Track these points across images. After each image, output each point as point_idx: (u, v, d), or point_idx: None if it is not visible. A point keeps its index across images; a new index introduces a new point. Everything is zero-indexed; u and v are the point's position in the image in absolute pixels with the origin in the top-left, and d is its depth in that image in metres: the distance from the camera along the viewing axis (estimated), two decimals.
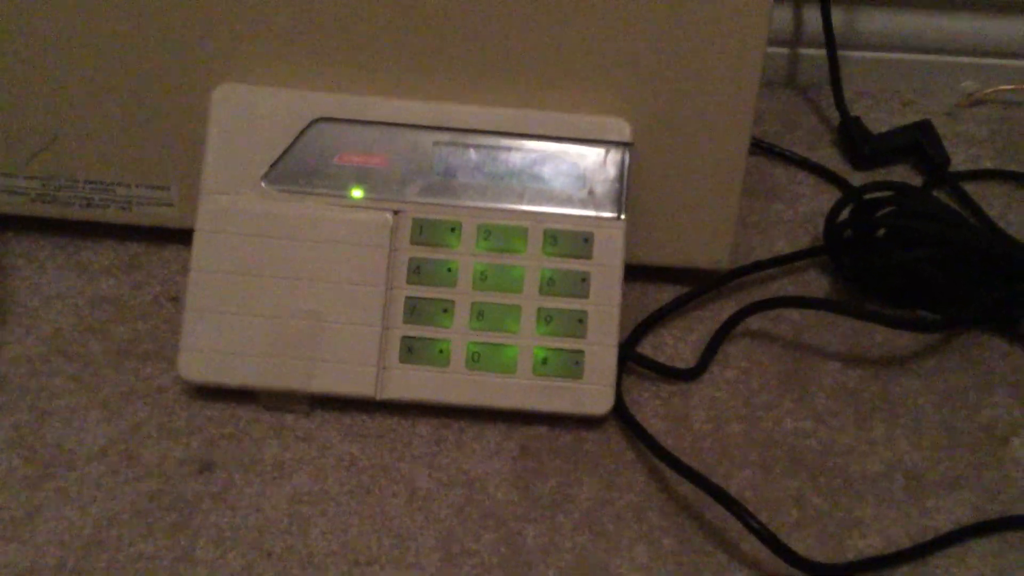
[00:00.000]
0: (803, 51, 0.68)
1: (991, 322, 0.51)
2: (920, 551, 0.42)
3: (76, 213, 0.51)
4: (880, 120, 0.65)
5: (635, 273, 0.52)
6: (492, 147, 0.47)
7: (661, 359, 0.50)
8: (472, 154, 0.47)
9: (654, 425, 0.47)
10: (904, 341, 0.51)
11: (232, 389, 0.46)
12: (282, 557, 0.42)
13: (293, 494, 0.44)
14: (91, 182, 0.50)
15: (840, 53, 0.66)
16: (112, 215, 0.51)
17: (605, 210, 0.47)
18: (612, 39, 0.46)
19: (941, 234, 0.50)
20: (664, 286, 0.53)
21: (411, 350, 0.45)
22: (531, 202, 0.47)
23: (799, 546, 0.42)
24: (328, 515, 0.43)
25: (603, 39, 0.46)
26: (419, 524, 0.43)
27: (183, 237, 0.49)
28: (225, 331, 0.45)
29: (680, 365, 0.49)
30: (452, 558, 0.42)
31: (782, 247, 0.56)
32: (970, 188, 0.60)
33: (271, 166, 0.46)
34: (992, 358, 0.50)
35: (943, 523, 0.44)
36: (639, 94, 0.47)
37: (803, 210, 0.59)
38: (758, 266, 0.53)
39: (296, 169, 0.46)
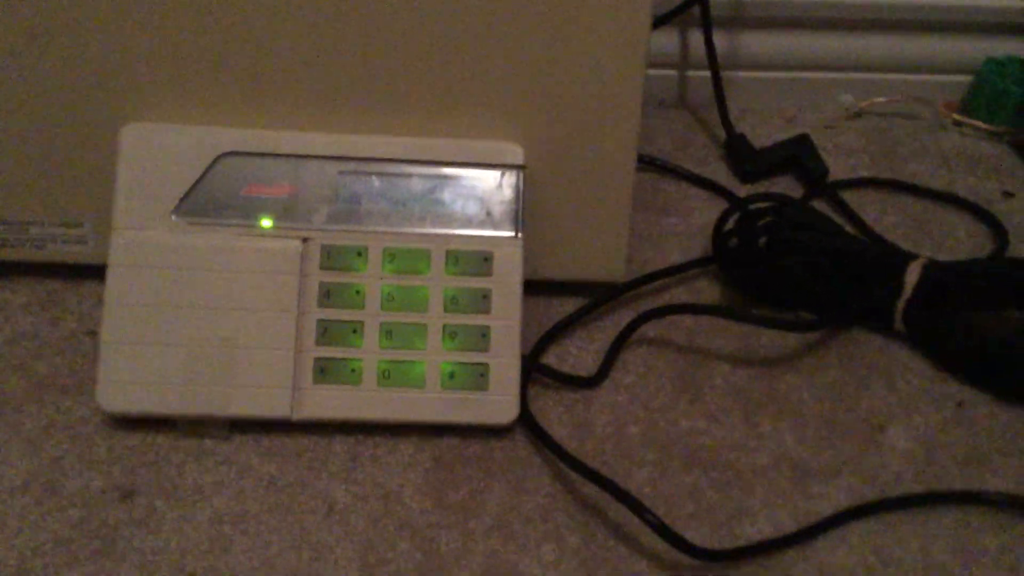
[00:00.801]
0: (691, 73, 0.72)
1: (867, 320, 0.55)
2: (805, 535, 0.46)
3: None
4: (765, 135, 0.69)
5: (538, 288, 0.55)
6: (394, 174, 0.49)
7: (564, 369, 0.53)
8: (375, 181, 0.49)
9: (558, 431, 0.50)
10: (788, 342, 0.55)
11: (151, 418, 0.48)
12: None
13: (214, 515, 0.45)
14: (5, 223, 0.51)
15: (725, 74, 0.70)
16: (27, 254, 0.52)
17: (503, 230, 0.49)
18: (502, 71, 0.49)
19: (815, 241, 0.54)
20: (566, 299, 0.56)
21: (324, 371, 0.48)
22: (433, 225, 0.49)
23: (694, 536, 0.45)
24: (249, 533, 0.45)
25: (494, 71, 0.49)
26: (337, 537, 0.45)
27: (99, 273, 0.50)
28: (141, 362, 0.47)
29: (582, 373, 0.52)
30: (369, 568, 0.44)
31: (676, 258, 0.60)
32: (848, 195, 0.65)
33: (180, 200, 0.48)
34: (869, 353, 0.54)
35: (826, 508, 0.47)
36: (530, 120, 0.50)
37: (695, 223, 0.63)
38: (652, 277, 0.57)
39: (205, 202, 0.48)
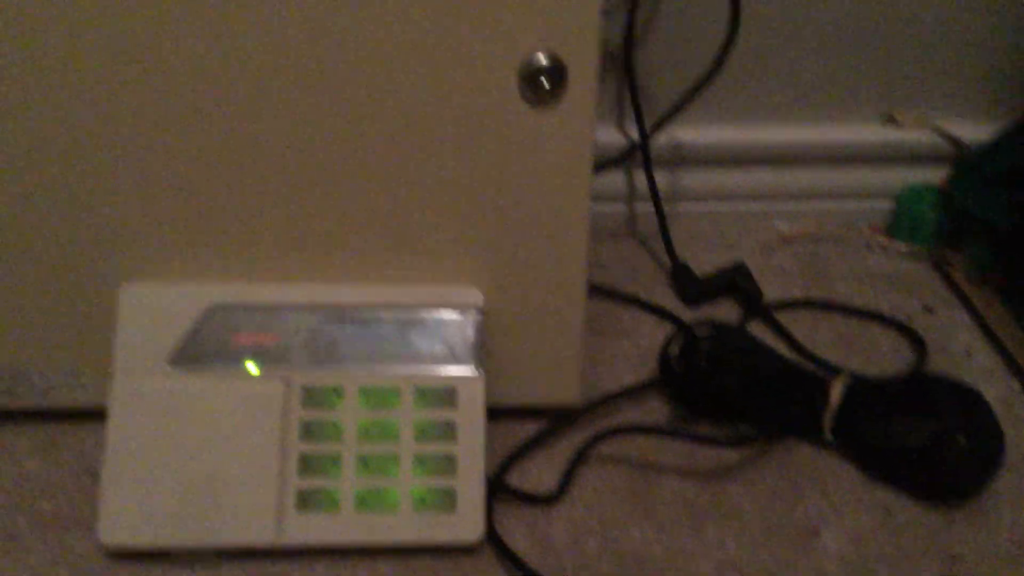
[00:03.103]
0: (639, 206, 0.79)
1: (799, 432, 0.61)
2: None
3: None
4: (707, 260, 0.76)
5: (502, 412, 0.60)
6: (368, 319, 0.55)
7: (526, 487, 0.58)
8: (351, 326, 0.55)
9: (522, 546, 0.54)
10: (730, 454, 0.60)
11: (147, 551, 0.52)
12: None
13: None
14: (12, 374, 0.56)
15: (670, 205, 0.77)
16: (29, 402, 0.57)
17: (465, 365, 0.55)
18: (461, 224, 0.55)
19: (750, 362, 0.59)
20: (528, 422, 0.61)
21: (305, 500, 0.52)
22: (403, 364, 0.55)
23: None
24: None
25: (454, 225, 0.55)
26: None
27: (96, 415, 0.56)
28: (139, 498, 0.51)
29: (543, 491, 0.57)
30: None
31: (628, 379, 0.65)
32: (782, 315, 0.71)
33: (175, 351, 0.53)
34: (803, 463, 0.60)
35: None
36: (488, 266, 0.56)
37: (645, 345, 0.69)
38: (606, 400, 0.62)
39: (197, 351, 0.54)
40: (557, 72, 0.52)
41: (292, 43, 0.50)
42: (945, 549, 0.55)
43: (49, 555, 0.53)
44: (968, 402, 0.57)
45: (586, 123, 0.54)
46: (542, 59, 0.52)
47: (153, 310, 0.54)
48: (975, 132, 0.76)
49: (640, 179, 0.77)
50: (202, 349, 0.54)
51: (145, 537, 0.51)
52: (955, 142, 0.76)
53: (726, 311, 0.72)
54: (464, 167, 0.54)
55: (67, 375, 0.57)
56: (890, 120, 0.77)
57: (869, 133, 0.77)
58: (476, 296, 0.56)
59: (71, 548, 0.53)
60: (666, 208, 0.76)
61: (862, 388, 0.59)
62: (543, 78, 0.52)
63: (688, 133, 0.76)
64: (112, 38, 0.49)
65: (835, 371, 0.64)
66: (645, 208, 0.78)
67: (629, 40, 0.71)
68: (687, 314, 0.71)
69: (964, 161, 0.75)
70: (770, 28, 0.73)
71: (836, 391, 0.59)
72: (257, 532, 0.52)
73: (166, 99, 0.50)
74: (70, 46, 0.49)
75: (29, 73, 0.49)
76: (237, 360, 0.54)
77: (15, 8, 0.48)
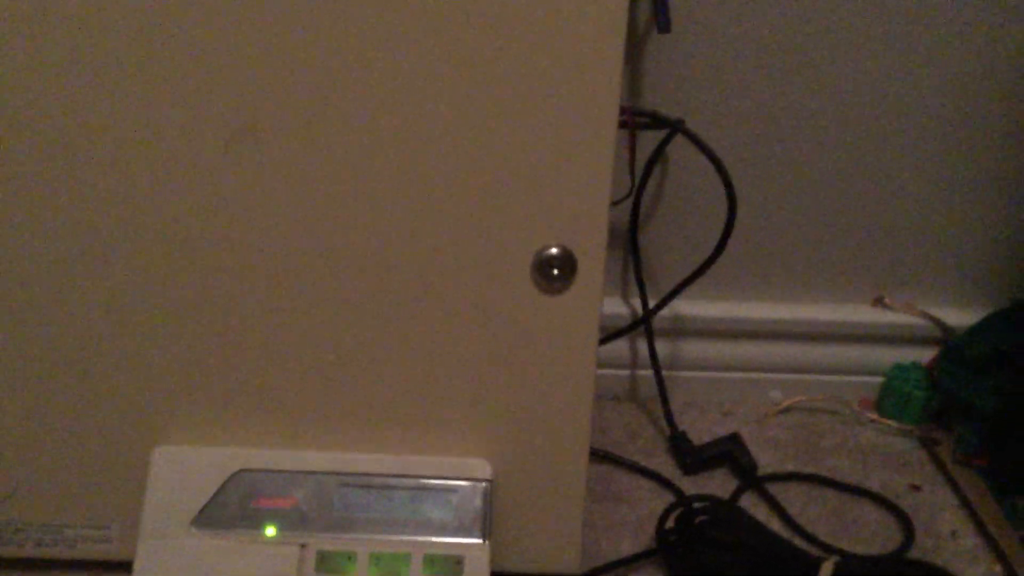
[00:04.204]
0: (640, 372, 0.83)
1: None
2: None
3: (27, 552, 0.60)
4: (703, 428, 0.79)
5: None
6: (382, 487, 0.58)
7: None
8: (366, 494, 0.58)
9: None
10: None
11: None
12: None
13: None
14: (43, 525, 0.59)
15: (669, 373, 0.81)
16: (59, 552, 0.60)
17: (472, 536, 0.58)
18: (473, 402, 0.59)
19: (743, 541, 0.62)
20: None
21: None
22: (413, 532, 0.58)
23: None
24: None
25: (465, 401, 0.59)
26: None
27: (118, 567, 0.59)
28: None
29: None
30: None
31: (627, 546, 0.68)
32: (775, 487, 0.74)
33: (199, 512, 0.57)
34: None
35: None
36: (496, 438, 0.60)
37: (643, 512, 0.72)
38: (605, 569, 0.65)
39: (220, 514, 0.57)
40: (567, 263, 0.57)
41: (318, 227, 0.55)
42: None
43: None
44: None
45: (593, 308, 0.58)
46: (554, 251, 0.56)
47: (182, 473, 0.57)
48: (960, 317, 0.81)
49: (642, 346, 0.81)
50: (225, 511, 0.57)
51: None
52: (941, 325, 0.80)
53: (721, 481, 0.75)
54: (477, 347, 0.58)
55: (96, 529, 0.60)
56: (879, 302, 0.82)
57: (859, 314, 0.81)
58: (484, 468, 0.60)
59: None
60: (665, 374, 0.80)
61: (850, 570, 0.62)
62: (554, 268, 0.57)
63: (689, 307, 0.81)
64: (155, 221, 0.54)
65: (826, 548, 0.67)
66: (646, 373, 0.82)
67: (634, 223, 0.76)
68: (685, 482, 0.75)
69: (949, 344, 0.79)
70: (766, 214, 0.79)
71: (825, 573, 0.61)
72: None
73: (206, 285, 0.55)
74: (118, 231, 0.54)
75: (76, 253, 0.54)
76: (257, 523, 0.57)
77: (78, 195, 0.53)
